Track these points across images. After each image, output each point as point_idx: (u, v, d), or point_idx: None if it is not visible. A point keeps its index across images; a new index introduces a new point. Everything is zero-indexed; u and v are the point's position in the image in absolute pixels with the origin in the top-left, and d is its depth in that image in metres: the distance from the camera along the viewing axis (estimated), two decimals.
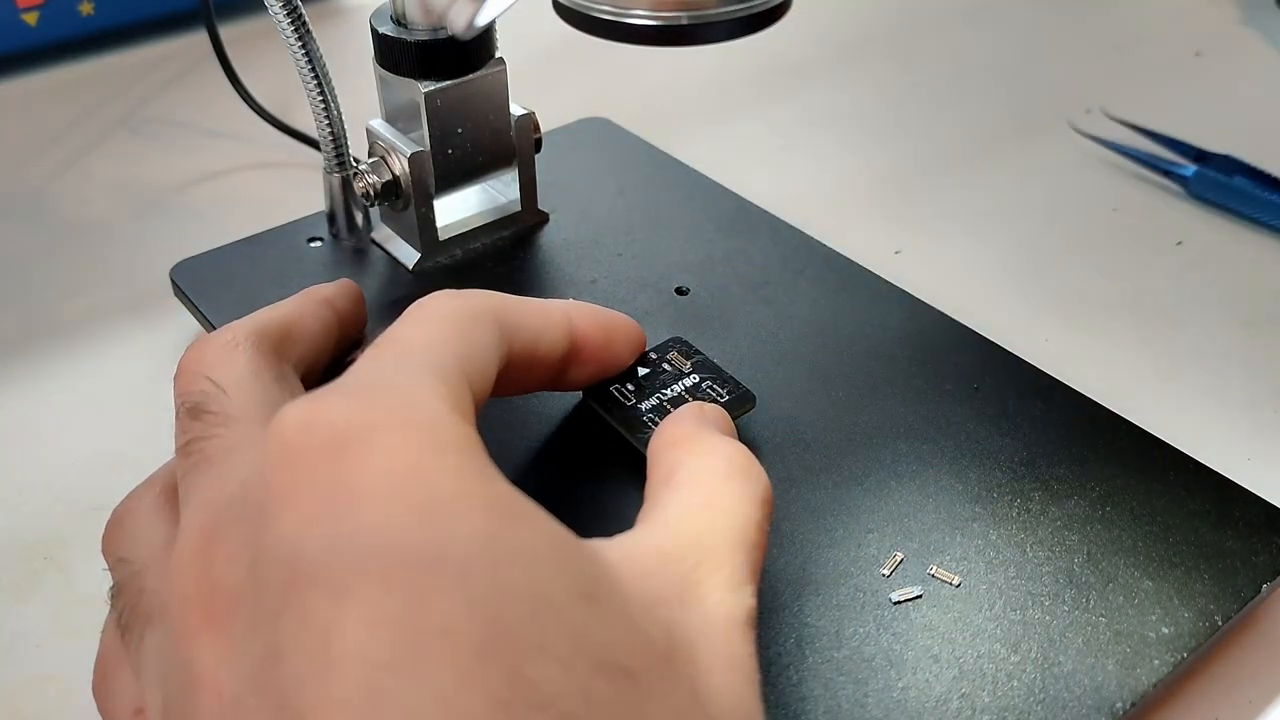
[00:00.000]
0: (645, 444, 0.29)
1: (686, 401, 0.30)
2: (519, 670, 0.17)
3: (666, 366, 0.31)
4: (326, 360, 0.30)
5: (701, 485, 0.24)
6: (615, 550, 0.21)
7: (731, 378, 0.31)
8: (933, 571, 0.27)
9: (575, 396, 0.32)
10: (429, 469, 0.19)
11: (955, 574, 0.27)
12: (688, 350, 0.32)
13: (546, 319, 0.27)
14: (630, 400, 0.30)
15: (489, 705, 0.17)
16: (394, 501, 0.19)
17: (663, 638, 0.20)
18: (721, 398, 0.31)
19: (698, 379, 0.31)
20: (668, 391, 0.31)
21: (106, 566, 0.24)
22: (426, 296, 0.25)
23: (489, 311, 0.25)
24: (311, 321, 0.29)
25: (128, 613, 0.23)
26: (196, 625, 0.19)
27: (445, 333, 0.23)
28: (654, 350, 0.32)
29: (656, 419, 0.30)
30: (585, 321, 0.29)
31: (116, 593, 0.23)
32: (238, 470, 0.21)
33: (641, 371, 0.31)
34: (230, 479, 0.21)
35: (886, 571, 0.27)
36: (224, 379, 0.24)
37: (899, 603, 0.27)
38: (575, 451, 0.31)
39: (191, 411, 0.24)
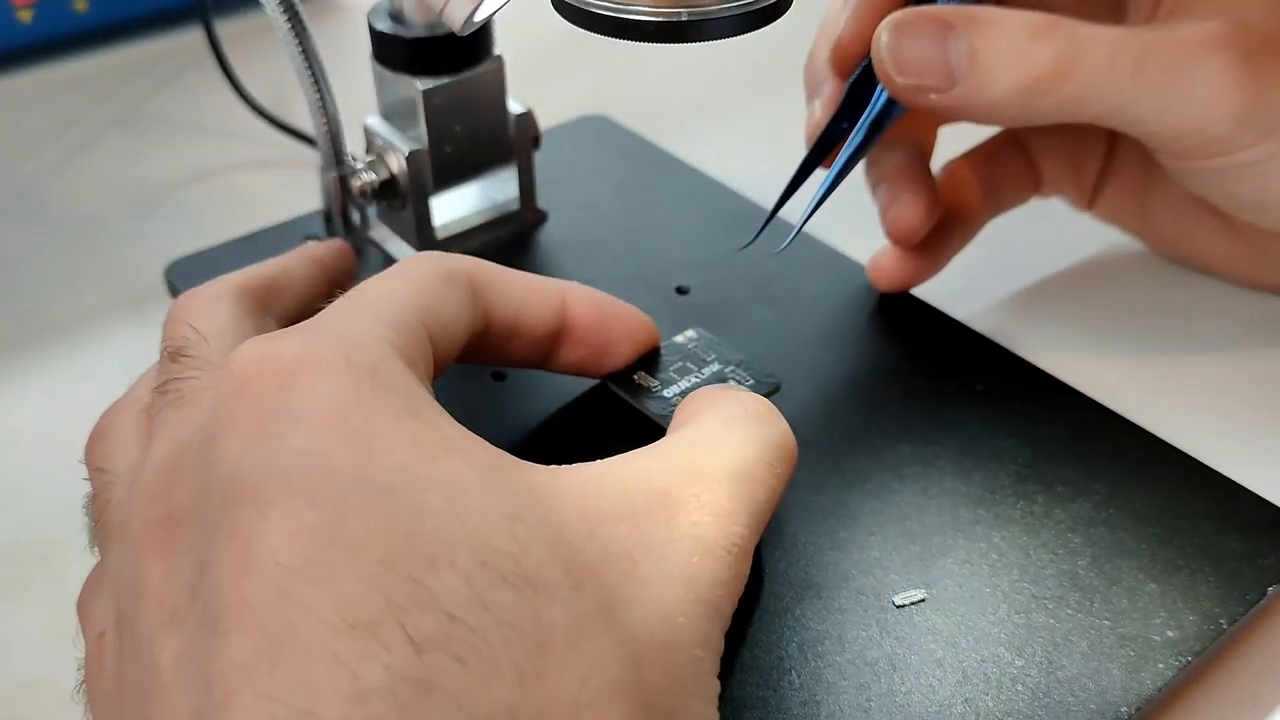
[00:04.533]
0: (668, 420, 0.29)
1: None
2: (418, 578, 0.18)
3: (689, 358, 0.31)
4: (313, 314, 0.30)
5: (706, 424, 0.25)
6: (561, 474, 0.22)
7: (756, 366, 0.31)
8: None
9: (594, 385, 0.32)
10: (364, 404, 0.21)
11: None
12: (709, 341, 0.32)
13: (533, 293, 0.28)
14: (655, 387, 0.30)
15: (383, 608, 0.18)
16: (326, 429, 0.20)
17: (596, 551, 0.21)
18: (747, 383, 0.31)
19: (719, 368, 0.31)
20: (692, 379, 0.31)
21: (87, 475, 0.25)
22: (410, 256, 0.25)
23: (463, 274, 0.26)
24: (298, 276, 0.30)
25: (97, 529, 0.24)
26: (148, 545, 0.21)
27: (409, 287, 0.25)
28: (676, 339, 0.32)
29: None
30: (581, 304, 0.29)
31: (90, 502, 0.25)
32: (206, 410, 0.22)
33: (664, 360, 0.31)
34: (197, 417, 0.22)
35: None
36: (205, 327, 0.26)
37: (902, 606, 0.27)
38: (596, 435, 0.31)
39: (172, 355, 0.25)
